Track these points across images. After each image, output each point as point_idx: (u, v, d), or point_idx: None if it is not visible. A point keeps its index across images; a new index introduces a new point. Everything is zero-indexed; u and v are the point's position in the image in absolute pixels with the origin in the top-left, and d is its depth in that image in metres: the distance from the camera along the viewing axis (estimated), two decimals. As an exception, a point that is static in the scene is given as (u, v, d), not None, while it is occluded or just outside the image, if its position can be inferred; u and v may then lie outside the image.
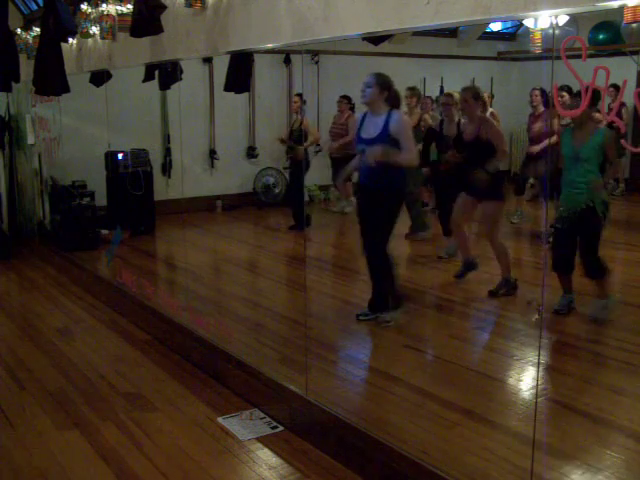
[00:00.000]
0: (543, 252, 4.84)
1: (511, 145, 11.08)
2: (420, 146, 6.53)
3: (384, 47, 3.62)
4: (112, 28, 5.28)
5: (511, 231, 7.80)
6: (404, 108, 7.23)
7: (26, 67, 6.54)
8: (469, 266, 5.67)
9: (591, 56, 2.26)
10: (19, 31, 7.10)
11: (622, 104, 7.72)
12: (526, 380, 3.99)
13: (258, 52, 5.31)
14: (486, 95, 9.32)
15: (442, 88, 10.53)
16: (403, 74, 9.54)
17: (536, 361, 4.09)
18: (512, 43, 12.01)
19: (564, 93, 5.91)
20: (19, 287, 6.84)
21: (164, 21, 4.45)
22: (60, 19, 5.05)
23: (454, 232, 5.83)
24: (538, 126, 7.54)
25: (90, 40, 5.80)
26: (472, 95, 5.38)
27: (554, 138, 6.48)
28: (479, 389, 3.91)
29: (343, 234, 8.34)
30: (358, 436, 3.19)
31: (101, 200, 7.94)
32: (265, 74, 9.69)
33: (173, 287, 6.21)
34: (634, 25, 8.30)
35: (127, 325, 5.37)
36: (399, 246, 7.25)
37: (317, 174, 9.45)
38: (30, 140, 8.04)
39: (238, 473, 3.24)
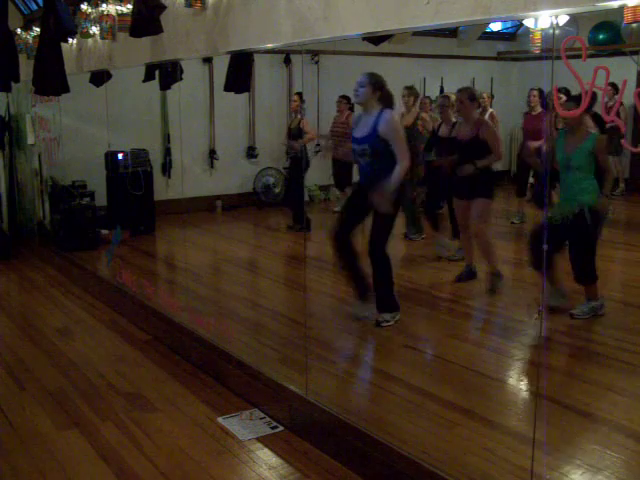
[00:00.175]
0: (543, 252, 4.83)
1: (511, 145, 11.09)
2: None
3: (384, 47, 3.62)
4: (112, 28, 5.29)
5: (512, 231, 7.81)
6: (402, 107, 7.25)
7: (26, 67, 6.54)
8: (470, 274, 5.73)
9: (591, 56, 2.26)
10: (19, 31, 7.11)
11: (620, 104, 7.73)
12: (526, 380, 3.99)
13: (258, 52, 5.31)
14: (486, 95, 9.36)
15: (442, 88, 10.54)
16: (403, 74, 9.55)
17: (536, 361, 4.09)
18: (512, 43, 12.01)
19: (561, 95, 5.93)
20: (19, 287, 6.84)
21: (164, 21, 4.45)
22: (60, 19, 5.06)
23: (462, 236, 5.90)
24: (536, 127, 7.56)
25: (90, 40, 5.80)
26: (468, 96, 5.42)
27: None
28: (479, 389, 3.91)
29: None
30: (358, 436, 3.19)
31: (101, 200, 7.94)
32: (265, 74, 9.69)
33: (173, 287, 6.21)
34: (634, 25, 8.30)
35: (127, 325, 5.37)
36: (398, 246, 7.26)
37: (317, 174, 9.45)
38: (30, 140, 8.03)
39: (238, 473, 3.24)
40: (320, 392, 3.58)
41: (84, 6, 5.53)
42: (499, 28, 11.90)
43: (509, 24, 11.72)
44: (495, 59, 11.81)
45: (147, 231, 8.14)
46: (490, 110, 9.15)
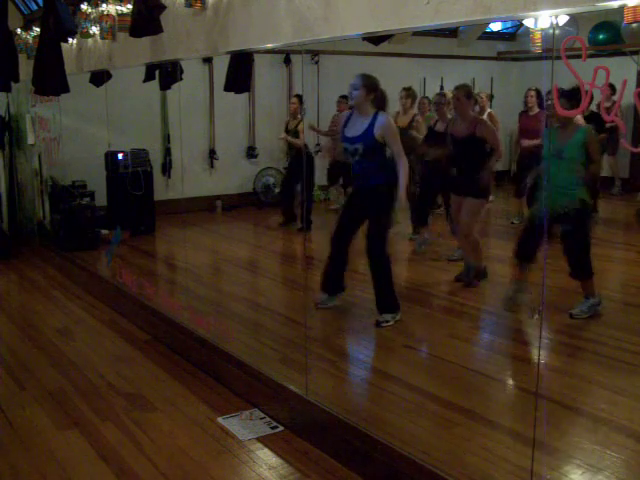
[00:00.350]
0: (542, 252, 4.85)
1: (510, 145, 11.08)
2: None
3: (384, 47, 3.62)
4: (112, 28, 5.29)
5: (511, 232, 7.81)
6: (399, 108, 7.25)
7: (26, 67, 6.54)
8: (482, 275, 5.70)
9: (591, 56, 2.26)
10: (19, 31, 7.11)
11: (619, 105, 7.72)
12: (526, 380, 3.98)
13: (258, 52, 5.31)
14: (484, 95, 9.36)
15: (442, 88, 10.53)
16: (403, 74, 9.56)
17: (536, 361, 4.09)
18: (512, 43, 12.01)
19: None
20: (19, 287, 6.84)
21: (164, 21, 4.45)
22: (60, 19, 5.06)
23: (461, 243, 5.91)
24: (532, 127, 7.57)
25: (90, 40, 5.80)
26: (464, 94, 5.44)
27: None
28: (479, 389, 3.91)
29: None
30: (358, 436, 3.19)
31: (101, 200, 7.93)
32: (265, 74, 9.68)
33: (173, 287, 6.21)
34: (634, 25, 8.31)
35: (127, 325, 5.37)
36: (399, 246, 7.26)
37: (317, 174, 9.44)
38: (30, 140, 8.04)
39: (238, 473, 3.24)
40: (320, 392, 3.58)
41: (84, 6, 5.53)
42: (499, 28, 11.90)
43: (509, 24, 11.72)
44: (495, 59, 11.81)
45: (147, 231, 8.14)
46: (488, 110, 9.14)
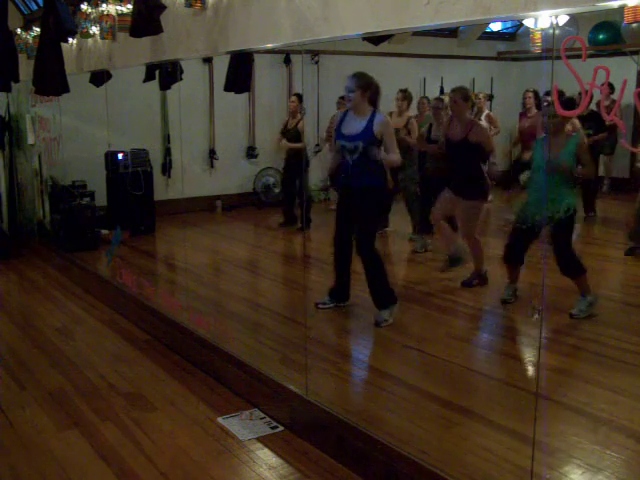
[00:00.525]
0: (542, 252, 4.86)
1: (510, 145, 11.08)
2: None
3: (384, 47, 3.62)
4: (112, 28, 5.29)
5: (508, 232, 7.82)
6: (395, 109, 7.26)
7: (26, 67, 6.55)
8: (456, 260, 5.78)
9: (591, 56, 2.26)
10: (19, 31, 7.11)
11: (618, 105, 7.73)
12: (526, 380, 3.99)
13: (258, 52, 5.31)
14: (482, 96, 9.37)
15: (442, 88, 10.54)
16: (403, 74, 9.57)
17: (536, 361, 4.09)
18: (512, 43, 12.01)
19: (549, 99, 5.98)
20: (19, 287, 6.84)
21: (164, 21, 4.45)
22: (60, 19, 5.06)
23: (435, 227, 5.96)
24: (531, 127, 7.59)
25: (90, 40, 5.80)
26: (461, 96, 5.48)
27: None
28: (479, 389, 3.91)
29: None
30: (358, 436, 3.19)
31: (101, 200, 7.93)
32: (265, 74, 9.68)
33: (173, 287, 6.21)
34: (634, 25, 8.31)
35: (127, 325, 5.37)
36: (399, 246, 7.27)
37: (317, 174, 9.45)
38: (30, 140, 8.04)
39: (238, 473, 3.24)
40: (320, 392, 3.58)
41: (84, 6, 5.53)
42: (499, 28, 11.90)
43: (509, 24, 11.72)
44: (495, 59, 11.81)
45: (147, 231, 8.14)
46: (486, 111, 9.15)
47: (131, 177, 8.01)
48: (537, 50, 7.79)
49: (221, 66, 4.83)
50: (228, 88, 4.64)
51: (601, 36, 9.30)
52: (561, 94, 4.74)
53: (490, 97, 10.40)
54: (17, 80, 5.93)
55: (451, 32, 10.91)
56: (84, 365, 4.54)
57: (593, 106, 6.41)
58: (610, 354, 4.27)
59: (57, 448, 3.44)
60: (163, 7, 4.42)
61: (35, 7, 7.66)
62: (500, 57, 11.85)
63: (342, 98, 8.40)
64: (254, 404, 3.87)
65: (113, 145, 7.59)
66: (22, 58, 6.55)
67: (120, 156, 7.97)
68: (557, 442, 3.15)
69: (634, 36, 8.72)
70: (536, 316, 4.77)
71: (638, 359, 4.20)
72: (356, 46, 5.70)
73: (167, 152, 9.13)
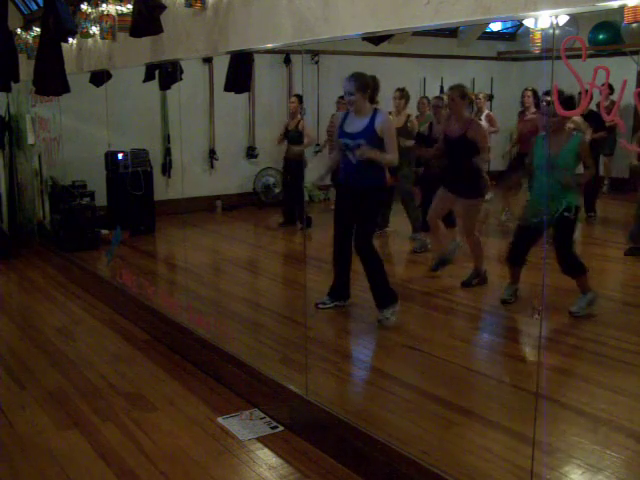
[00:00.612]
0: (542, 251, 4.86)
1: (511, 144, 11.07)
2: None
3: (384, 47, 3.62)
4: (112, 28, 5.29)
5: (504, 230, 7.86)
6: (392, 109, 7.26)
7: (26, 67, 6.55)
8: (443, 261, 5.86)
9: (591, 56, 2.26)
10: (19, 31, 7.11)
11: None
12: (526, 380, 3.98)
13: (258, 52, 5.31)
14: (482, 95, 9.36)
15: (442, 88, 10.53)
16: (403, 74, 9.56)
17: (536, 361, 4.09)
18: (512, 43, 12.01)
19: (548, 98, 5.97)
20: (19, 287, 6.84)
21: (164, 21, 4.45)
22: (60, 19, 5.06)
23: (430, 226, 5.97)
24: (530, 127, 7.59)
25: (90, 40, 5.80)
26: (459, 94, 5.49)
27: None
28: (479, 389, 3.91)
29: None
30: (358, 436, 3.19)
31: (101, 200, 7.93)
32: (265, 74, 9.68)
33: (173, 287, 6.21)
34: (634, 25, 8.30)
35: (127, 325, 5.37)
36: (399, 245, 7.27)
37: (317, 174, 9.42)
38: (30, 140, 8.04)
39: (238, 473, 3.24)
40: (320, 392, 3.58)
41: (84, 6, 5.53)
42: (499, 28, 11.90)
43: (509, 24, 11.72)
44: (495, 59, 11.81)
45: (147, 231, 8.14)
46: (486, 111, 9.16)
47: (131, 177, 8.01)
48: (537, 50, 7.79)
49: (221, 66, 4.83)
50: (228, 88, 4.64)
51: (601, 36, 9.29)
52: (561, 93, 4.77)
53: (490, 97, 10.40)
54: (17, 80, 5.93)
55: (451, 32, 10.91)
56: (84, 365, 4.54)
57: (592, 106, 6.41)
58: (610, 354, 4.27)
59: (57, 448, 3.44)
60: (163, 7, 4.42)
61: (35, 7, 7.66)
62: (500, 57, 11.85)
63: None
64: (254, 404, 3.87)
65: (113, 145, 7.59)
66: (22, 58, 6.55)
67: (120, 156, 7.97)
68: (557, 442, 3.14)
69: (634, 36, 8.71)
70: (536, 316, 4.79)
71: (638, 359, 4.20)
72: (356, 46, 5.71)
73: (167, 152, 9.14)
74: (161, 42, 4.66)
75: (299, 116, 8.21)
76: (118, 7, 5.08)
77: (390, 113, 7.09)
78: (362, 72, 4.77)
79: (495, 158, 8.86)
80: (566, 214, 4.65)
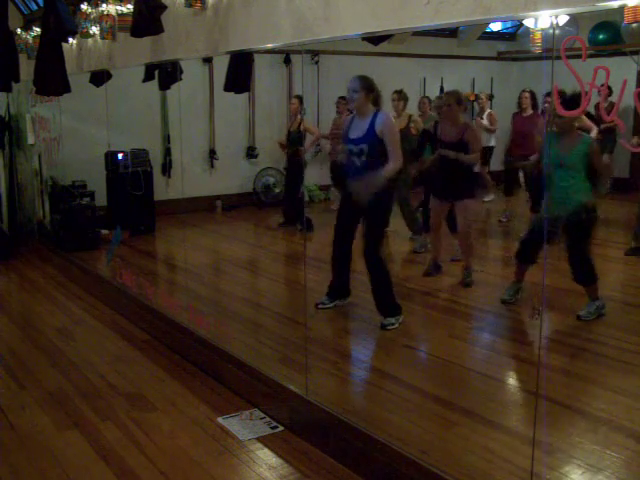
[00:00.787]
0: (542, 251, 4.86)
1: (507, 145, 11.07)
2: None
3: (384, 47, 3.62)
4: (112, 28, 5.29)
5: (500, 230, 7.88)
6: (392, 111, 7.25)
7: (26, 67, 6.55)
8: (437, 268, 5.96)
9: (591, 56, 2.26)
10: (19, 31, 7.11)
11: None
12: (526, 380, 3.99)
13: (258, 52, 5.31)
14: (484, 95, 9.36)
15: (442, 88, 10.53)
16: (403, 74, 9.57)
17: (536, 361, 4.08)
18: (512, 43, 12.01)
19: (548, 99, 5.98)
20: (19, 287, 6.84)
21: (164, 21, 4.45)
22: (60, 19, 5.06)
23: (431, 233, 6.07)
24: (525, 128, 7.61)
25: (90, 40, 5.80)
26: (455, 100, 5.54)
27: None
28: (479, 389, 3.91)
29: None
30: (358, 436, 3.19)
31: (101, 200, 7.93)
32: (265, 74, 9.68)
33: (173, 287, 6.21)
34: (634, 25, 8.30)
35: (127, 325, 5.37)
36: (399, 246, 7.26)
37: (317, 174, 9.45)
38: (30, 140, 8.04)
39: (238, 473, 3.24)
40: (320, 392, 3.58)
41: (84, 6, 5.53)
42: (499, 28, 11.90)
43: (509, 24, 11.72)
44: (495, 59, 11.81)
45: (147, 231, 8.14)
46: (488, 110, 9.18)
47: (131, 177, 8.01)
48: (537, 50, 7.80)
49: (221, 66, 4.83)
50: (228, 88, 4.64)
51: (601, 36, 9.30)
52: (564, 93, 4.78)
53: (490, 97, 10.40)
54: (17, 80, 5.93)
55: (451, 32, 10.91)
56: (84, 365, 4.54)
57: (590, 107, 6.41)
58: (610, 354, 4.27)
59: (57, 448, 3.44)
60: (164, 7, 4.42)
61: (35, 7, 7.66)
62: (500, 57, 11.85)
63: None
64: (254, 404, 3.87)
65: (113, 145, 7.59)
66: (22, 58, 6.55)
67: (120, 156, 7.97)
68: (557, 442, 3.14)
69: (634, 36, 8.71)
70: (536, 316, 4.79)
71: (638, 359, 4.20)
72: (356, 46, 5.71)
73: (167, 152, 9.14)
74: (161, 42, 4.66)
75: (299, 116, 8.21)
76: (118, 7, 5.08)
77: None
78: (369, 76, 4.75)
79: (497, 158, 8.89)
80: (580, 215, 4.58)
